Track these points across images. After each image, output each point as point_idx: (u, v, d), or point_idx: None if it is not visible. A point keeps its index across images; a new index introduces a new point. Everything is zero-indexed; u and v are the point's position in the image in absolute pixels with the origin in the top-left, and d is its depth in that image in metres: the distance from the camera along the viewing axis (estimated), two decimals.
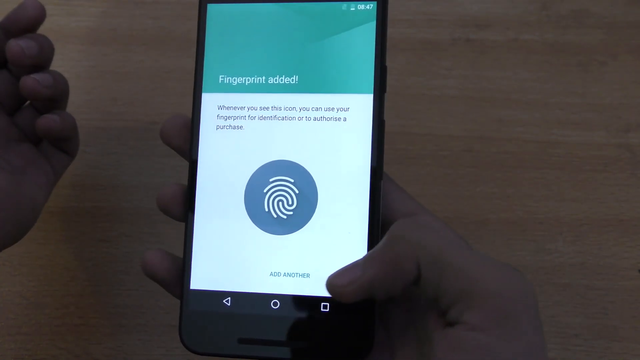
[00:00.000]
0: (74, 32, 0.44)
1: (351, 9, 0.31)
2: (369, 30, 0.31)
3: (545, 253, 0.40)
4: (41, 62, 0.34)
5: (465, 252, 0.26)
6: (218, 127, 0.31)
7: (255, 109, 0.31)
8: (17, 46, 0.33)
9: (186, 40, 0.44)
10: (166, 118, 0.32)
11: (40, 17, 0.34)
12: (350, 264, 0.27)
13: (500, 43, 0.43)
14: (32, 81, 0.33)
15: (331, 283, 0.27)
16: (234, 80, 0.32)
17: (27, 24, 0.34)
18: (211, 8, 0.32)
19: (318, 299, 0.30)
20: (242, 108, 0.31)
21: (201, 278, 0.31)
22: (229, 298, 0.30)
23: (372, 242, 0.30)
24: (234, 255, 0.31)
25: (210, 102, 0.32)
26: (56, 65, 0.43)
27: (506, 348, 0.24)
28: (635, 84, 0.42)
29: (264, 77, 0.31)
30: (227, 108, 0.32)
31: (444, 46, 0.43)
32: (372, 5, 0.31)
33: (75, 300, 0.39)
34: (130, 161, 0.42)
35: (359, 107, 0.31)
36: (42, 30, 0.45)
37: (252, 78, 0.32)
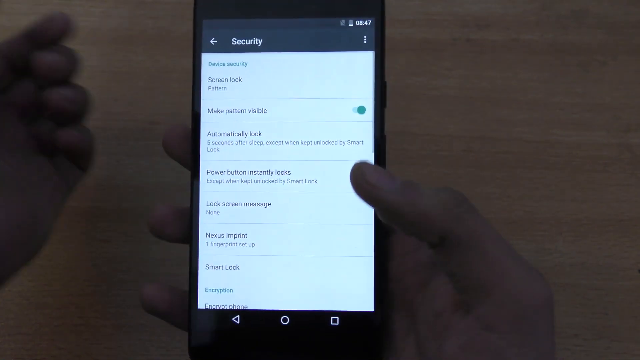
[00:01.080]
0: (74, 32, 0.44)
1: (349, 25, 0.31)
2: (368, 46, 0.31)
3: (545, 253, 0.40)
4: (66, 76, 0.34)
5: (501, 244, 0.25)
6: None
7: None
8: (43, 59, 0.32)
9: (186, 40, 0.43)
10: (167, 127, 0.32)
11: (68, 30, 0.33)
12: (389, 172, 0.26)
13: (500, 43, 0.43)
14: (57, 96, 0.33)
15: (361, 170, 0.26)
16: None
17: (54, 37, 0.33)
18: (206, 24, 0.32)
19: (327, 313, 0.30)
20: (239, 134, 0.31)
21: (208, 297, 0.31)
22: (238, 316, 0.30)
23: (378, 256, 0.30)
24: (241, 272, 0.31)
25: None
26: None
27: (517, 354, 0.24)
28: (635, 84, 0.42)
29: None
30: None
31: (444, 46, 0.43)
32: (370, 21, 0.31)
33: (75, 300, 0.39)
34: (130, 161, 0.42)
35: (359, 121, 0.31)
36: None
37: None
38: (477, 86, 0.43)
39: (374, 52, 0.31)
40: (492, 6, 0.44)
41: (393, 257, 0.30)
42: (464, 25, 0.44)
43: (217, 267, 0.31)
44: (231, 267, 0.31)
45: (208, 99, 0.31)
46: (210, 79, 0.31)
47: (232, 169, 0.31)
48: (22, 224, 0.31)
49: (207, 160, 0.31)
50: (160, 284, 0.31)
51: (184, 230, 0.31)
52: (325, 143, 0.31)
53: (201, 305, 0.31)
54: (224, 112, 0.31)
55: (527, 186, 0.41)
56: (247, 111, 0.31)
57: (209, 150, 0.31)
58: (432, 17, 0.44)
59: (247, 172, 0.31)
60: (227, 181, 0.31)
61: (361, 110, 0.31)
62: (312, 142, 0.31)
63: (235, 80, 0.31)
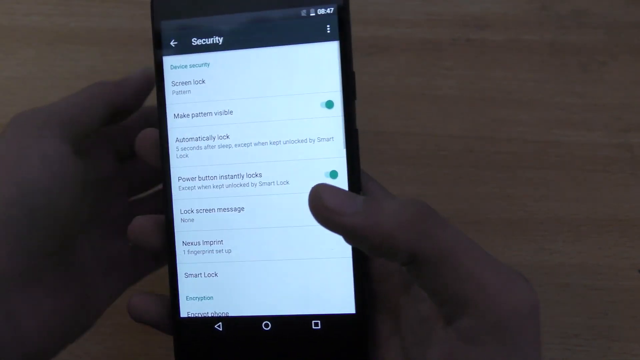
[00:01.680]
0: (74, 32, 0.44)
1: (311, 14, 0.30)
2: (332, 34, 0.30)
3: (545, 253, 0.40)
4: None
5: (475, 254, 0.24)
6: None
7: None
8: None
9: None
10: (139, 133, 0.31)
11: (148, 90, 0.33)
12: (349, 193, 0.24)
13: (500, 43, 0.43)
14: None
15: (318, 195, 0.24)
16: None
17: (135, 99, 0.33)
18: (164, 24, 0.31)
19: (309, 317, 0.29)
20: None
21: (190, 305, 0.30)
22: (220, 323, 0.30)
23: (357, 257, 0.29)
24: (220, 279, 0.30)
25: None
26: (56, 65, 0.43)
27: None
28: (635, 84, 0.42)
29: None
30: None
31: (444, 46, 0.43)
32: (332, 8, 0.30)
33: None
34: None
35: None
36: (42, 30, 0.45)
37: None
38: (477, 86, 0.43)
39: (338, 41, 0.29)
40: (492, 6, 0.44)
41: (376, 258, 0.30)
42: (464, 25, 0.44)
43: (196, 275, 0.30)
44: (210, 275, 0.30)
45: (173, 103, 0.31)
46: (174, 83, 0.31)
47: (202, 175, 0.30)
48: (69, 317, 0.31)
49: (178, 167, 0.31)
50: (148, 295, 0.31)
51: (163, 240, 0.31)
52: (294, 142, 0.30)
53: (183, 313, 0.30)
54: (190, 116, 0.31)
55: (527, 186, 0.41)
56: (213, 114, 0.30)
57: (178, 157, 0.31)
58: (432, 17, 0.44)
59: (218, 177, 0.30)
60: (199, 187, 0.30)
61: (329, 104, 0.29)
62: (282, 142, 0.30)
63: (198, 82, 0.31)
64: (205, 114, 0.31)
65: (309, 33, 0.30)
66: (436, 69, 0.43)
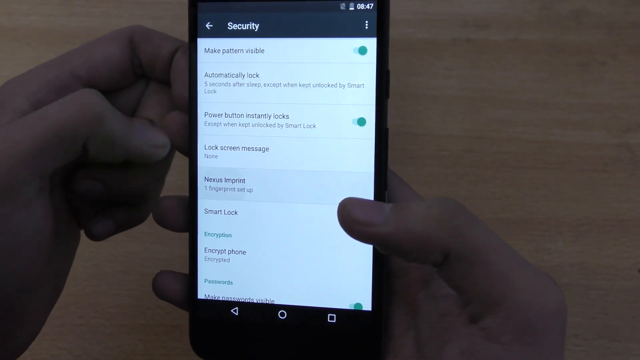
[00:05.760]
0: (74, 32, 0.44)
1: (350, 9, 0.29)
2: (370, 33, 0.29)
3: (545, 253, 0.40)
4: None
5: (506, 253, 0.24)
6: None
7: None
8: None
9: (186, 40, 0.44)
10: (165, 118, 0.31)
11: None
12: (376, 203, 0.25)
13: (500, 43, 0.43)
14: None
15: (347, 209, 0.25)
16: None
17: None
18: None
19: (325, 310, 0.30)
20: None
21: (208, 287, 0.31)
22: (237, 307, 0.30)
23: (377, 256, 0.29)
24: (240, 264, 0.30)
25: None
26: None
27: None
28: (635, 84, 0.42)
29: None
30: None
31: (444, 46, 0.43)
32: (372, 4, 0.29)
33: (75, 300, 0.39)
34: None
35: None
36: (43, 30, 0.45)
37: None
38: (477, 86, 0.43)
39: (376, 38, 0.29)
40: (492, 6, 0.44)
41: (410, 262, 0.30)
42: (464, 25, 0.44)
43: (216, 212, 0.30)
44: (230, 212, 0.30)
45: (205, 38, 0.30)
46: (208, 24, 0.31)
47: (229, 112, 0.30)
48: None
49: (205, 102, 0.30)
50: (172, 273, 0.31)
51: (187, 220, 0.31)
52: (324, 86, 0.29)
53: (201, 295, 0.31)
54: (221, 52, 0.30)
55: (527, 186, 0.41)
56: (244, 51, 0.30)
57: (206, 92, 0.30)
58: (432, 17, 0.44)
59: (244, 116, 0.30)
60: (225, 124, 0.30)
61: (362, 50, 0.29)
62: (311, 85, 0.30)
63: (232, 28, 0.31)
64: (236, 51, 0.30)
65: (348, 27, 0.29)
66: (436, 69, 0.43)
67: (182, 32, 0.44)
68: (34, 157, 0.25)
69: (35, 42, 0.44)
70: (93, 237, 0.31)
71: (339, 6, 0.29)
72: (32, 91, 0.28)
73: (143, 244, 0.40)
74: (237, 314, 0.30)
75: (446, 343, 0.25)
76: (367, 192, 0.29)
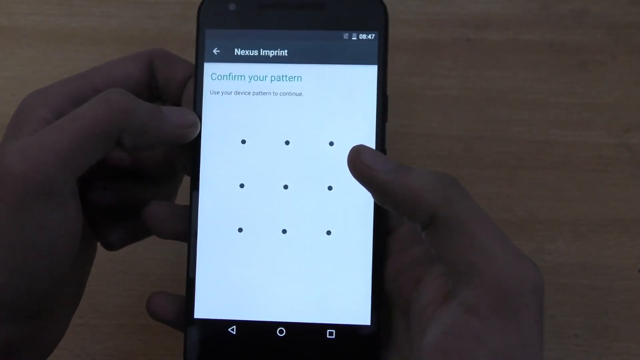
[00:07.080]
0: (74, 32, 0.44)
1: (353, 38, 0.31)
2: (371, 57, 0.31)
3: (545, 253, 0.40)
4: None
5: (490, 229, 0.25)
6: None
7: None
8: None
9: (186, 40, 0.44)
10: None
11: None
12: (385, 156, 0.27)
13: (500, 43, 0.43)
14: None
15: (358, 152, 0.27)
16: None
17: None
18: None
19: (324, 326, 0.30)
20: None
21: (205, 306, 0.30)
22: (234, 326, 0.30)
23: (376, 271, 0.30)
24: (238, 283, 0.30)
25: None
26: (56, 65, 0.43)
27: (498, 339, 0.24)
28: (635, 84, 0.43)
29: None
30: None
31: (444, 46, 0.43)
32: (373, 35, 0.31)
33: None
34: None
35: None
36: (43, 30, 0.45)
37: None
38: (477, 86, 0.43)
39: (377, 66, 0.31)
40: (492, 6, 0.44)
41: (390, 255, 0.30)
42: (464, 25, 0.44)
43: (214, 277, 0.30)
44: (228, 277, 0.30)
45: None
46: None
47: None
48: None
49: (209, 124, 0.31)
50: (166, 295, 0.31)
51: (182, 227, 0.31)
52: (326, 111, 0.31)
53: (197, 314, 0.30)
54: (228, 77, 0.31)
55: (527, 186, 0.41)
56: (249, 77, 0.31)
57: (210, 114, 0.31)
58: (432, 17, 0.44)
59: (247, 142, 0.31)
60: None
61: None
62: (314, 110, 0.31)
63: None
64: (241, 77, 0.31)
65: (350, 55, 0.31)
66: (436, 69, 0.43)
67: (182, 31, 0.44)
68: (70, 157, 0.26)
69: (35, 42, 0.44)
70: (109, 246, 0.32)
71: (343, 36, 0.31)
72: (54, 102, 0.29)
73: (143, 244, 0.40)
74: (234, 333, 0.30)
75: (428, 328, 0.26)
76: (366, 254, 0.30)
